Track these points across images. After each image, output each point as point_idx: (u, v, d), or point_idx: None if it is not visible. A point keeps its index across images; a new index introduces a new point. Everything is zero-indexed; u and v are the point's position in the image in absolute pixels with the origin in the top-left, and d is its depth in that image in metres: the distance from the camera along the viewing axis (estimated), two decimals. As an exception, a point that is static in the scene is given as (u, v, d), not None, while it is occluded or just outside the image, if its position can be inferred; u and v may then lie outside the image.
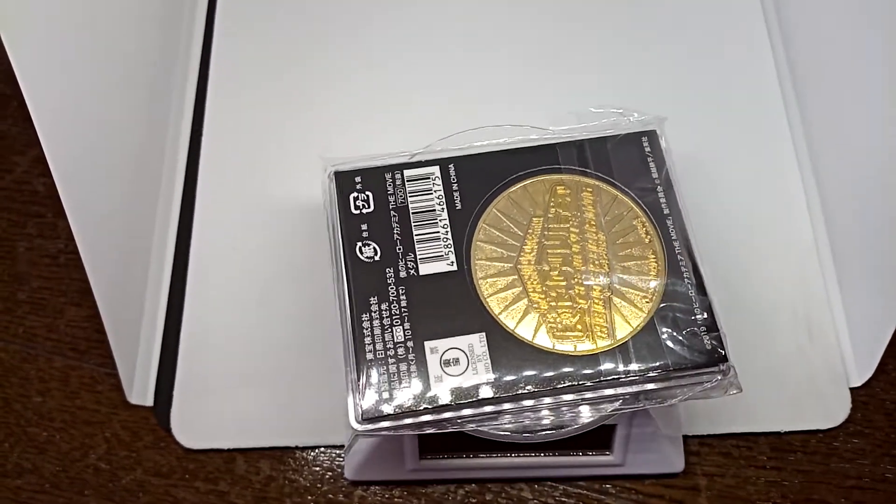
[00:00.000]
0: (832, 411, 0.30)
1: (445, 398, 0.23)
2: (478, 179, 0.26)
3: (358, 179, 0.26)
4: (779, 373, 0.30)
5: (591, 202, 0.26)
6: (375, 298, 0.24)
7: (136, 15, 0.34)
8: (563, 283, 0.25)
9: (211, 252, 0.33)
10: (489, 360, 0.24)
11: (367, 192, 0.26)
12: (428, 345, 0.24)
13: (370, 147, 0.34)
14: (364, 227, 0.26)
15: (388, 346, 0.24)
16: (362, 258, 0.25)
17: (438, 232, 0.26)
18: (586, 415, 0.24)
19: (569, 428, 0.24)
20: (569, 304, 0.25)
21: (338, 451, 0.30)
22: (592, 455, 0.28)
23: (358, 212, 0.26)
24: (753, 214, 0.33)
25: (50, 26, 0.26)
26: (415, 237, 0.25)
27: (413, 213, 0.26)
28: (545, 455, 0.28)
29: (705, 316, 0.24)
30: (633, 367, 0.24)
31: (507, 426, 0.24)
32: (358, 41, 0.37)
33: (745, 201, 0.34)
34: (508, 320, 0.24)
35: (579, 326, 0.24)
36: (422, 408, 0.23)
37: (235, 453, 0.30)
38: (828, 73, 0.33)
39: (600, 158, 0.27)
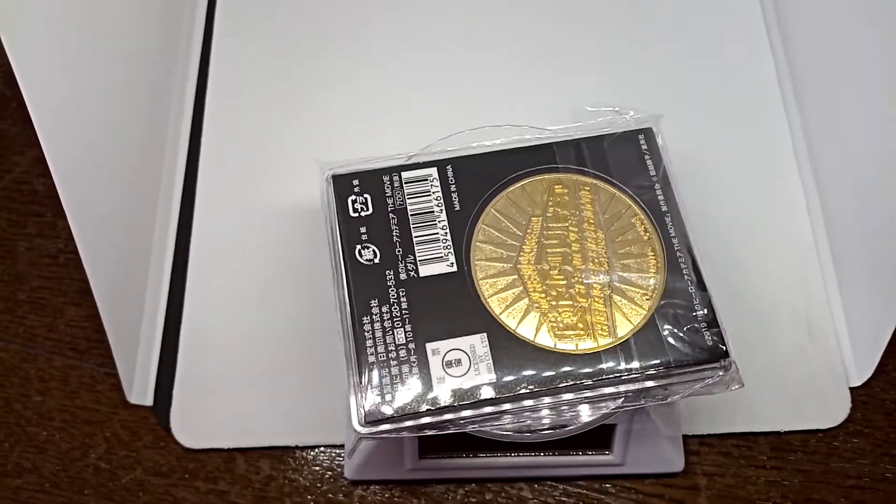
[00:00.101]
0: (832, 411, 0.30)
1: (448, 399, 0.23)
2: (476, 180, 0.26)
3: (356, 182, 0.26)
4: (779, 372, 0.30)
5: (589, 201, 0.26)
6: (376, 301, 0.24)
7: (136, 15, 0.34)
8: (564, 282, 0.25)
9: (211, 251, 0.33)
10: (491, 361, 0.24)
11: (366, 195, 0.26)
12: (430, 346, 0.24)
13: (370, 147, 0.34)
14: (363, 229, 0.26)
15: (389, 349, 0.24)
16: (362, 261, 0.25)
17: (437, 233, 0.26)
18: (588, 413, 0.24)
19: (571, 427, 0.24)
20: (569, 302, 0.25)
21: (338, 451, 0.30)
22: (592, 455, 0.28)
23: (357, 215, 0.26)
24: (753, 214, 0.33)
25: (50, 27, 0.26)
26: (414, 239, 0.25)
27: (412, 215, 0.26)
28: (545, 455, 0.28)
29: (705, 312, 0.24)
30: (635, 364, 0.24)
31: (509, 426, 0.24)
32: (358, 41, 0.37)
33: (745, 201, 0.34)
34: (509, 320, 0.24)
35: (580, 325, 0.24)
36: (425, 410, 0.23)
37: (235, 453, 0.30)
38: (827, 72, 0.33)
39: (597, 157, 0.27)
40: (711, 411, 0.30)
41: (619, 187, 0.26)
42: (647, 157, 0.27)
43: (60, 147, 0.25)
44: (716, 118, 0.35)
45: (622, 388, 0.24)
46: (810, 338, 0.31)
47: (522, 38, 0.37)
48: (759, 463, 0.30)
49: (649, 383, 0.24)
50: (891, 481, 0.29)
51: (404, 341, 0.24)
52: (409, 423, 0.23)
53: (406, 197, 0.26)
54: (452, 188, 0.26)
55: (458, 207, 0.26)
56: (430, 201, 0.26)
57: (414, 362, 0.24)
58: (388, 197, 0.26)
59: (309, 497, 0.29)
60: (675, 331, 0.24)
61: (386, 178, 0.26)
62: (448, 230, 0.26)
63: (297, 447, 0.30)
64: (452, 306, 0.24)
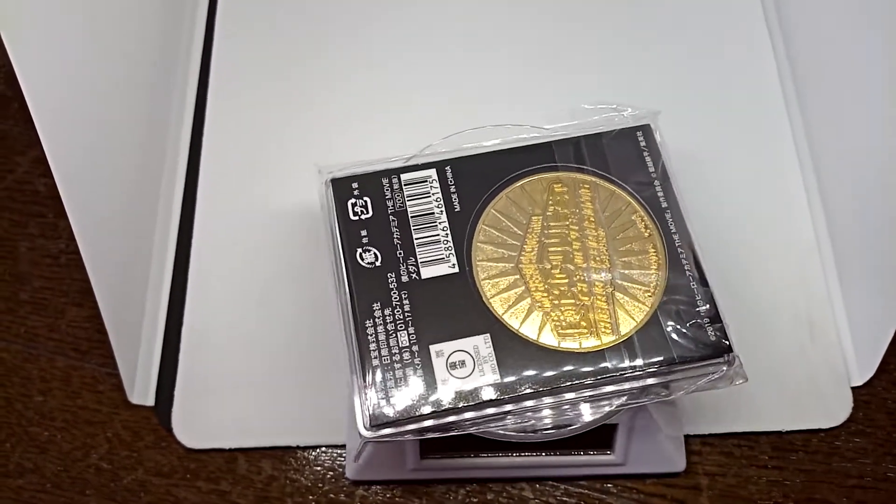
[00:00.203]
0: (834, 411, 0.30)
1: (453, 401, 0.23)
2: (475, 181, 0.26)
3: (355, 185, 0.26)
4: (780, 372, 0.30)
5: (588, 198, 0.26)
6: (378, 304, 0.24)
7: (137, 15, 0.34)
8: (566, 281, 0.25)
9: (212, 252, 0.33)
10: (495, 362, 0.24)
11: (366, 198, 0.26)
12: (433, 348, 0.24)
13: (371, 146, 0.34)
14: (364, 232, 0.26)
15: (393, 352, 0.24)
16: (363, 264, 0.25)
17: (438, 235, 0.26)
18: (593, 412, 0.24)
19: (576, 425, 0.24)
20: (572, 301, 0.25)
21: (339, 451, 0.30)
22: (594, 454, 0.28)
23: (357, 218, 0.26)
24: (754, 214, 0.33)
25: (50, 27, 0.26)
26: (415, 241, 0.25)
27: (412, 217, 0.26)
28: (546, 454, 0.28)
29: (708, 307, 0.24)
30: (639, 361, 0.24)
31: (513, 426, 0.24)
32: (358, 41, 0.37)
33: (746, 201, 0.34)
34: (512, 320, 0.24)
35: (583, 323, 0.24)
36: (430, 412, 0.23)
37: (237, 453, 0.30)
38: (828, 72, 0.33)
39: (596, 155, 0.27)
40: (713, 411, 0.30)
41: (618, 184, 0.26)
42: (645, 153, 0.27)
43: (62, 147, 0.25)
44: (717, 118, 0.35)
45: (626, 385, 0.24)
46: (811, 337, 0.31)
47: (522, 38, 0.37)
48: (760, 463, 0.30)
49: (653, 380, 0.24)
50: (893, 481, 0.29)
51: (408, 344, 0.24)
52: (414, 426, 0.23)
53: (406, 199, 0.26)
54: (452, 189, 0.26)
55: (458, 208, 0.26)
56: (430, 203, 0.26)
57: (418, 364, 0.24)
58: (388, 199, 0.26)
59: (310, 497, 0.29)
60: (678, 327, 0.24)
61: (385, 181, 0.26)
62: (449, 231, 0.26)
63: (298, 447, 0.30)
64: (455, 307, 0.24)
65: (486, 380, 0.23)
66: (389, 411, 0.23)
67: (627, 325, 0.24)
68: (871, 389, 0.31)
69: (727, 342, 0.24)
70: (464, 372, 0.24)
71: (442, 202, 0.26)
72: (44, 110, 0.24)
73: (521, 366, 0.24)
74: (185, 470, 0.30)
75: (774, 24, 0.37)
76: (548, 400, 0.24)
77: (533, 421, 0.24)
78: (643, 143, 0.27)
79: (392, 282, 0.25)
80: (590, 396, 0.24)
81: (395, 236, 0.25)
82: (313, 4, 0.38)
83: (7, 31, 0.23)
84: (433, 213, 0.26)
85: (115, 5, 0.31)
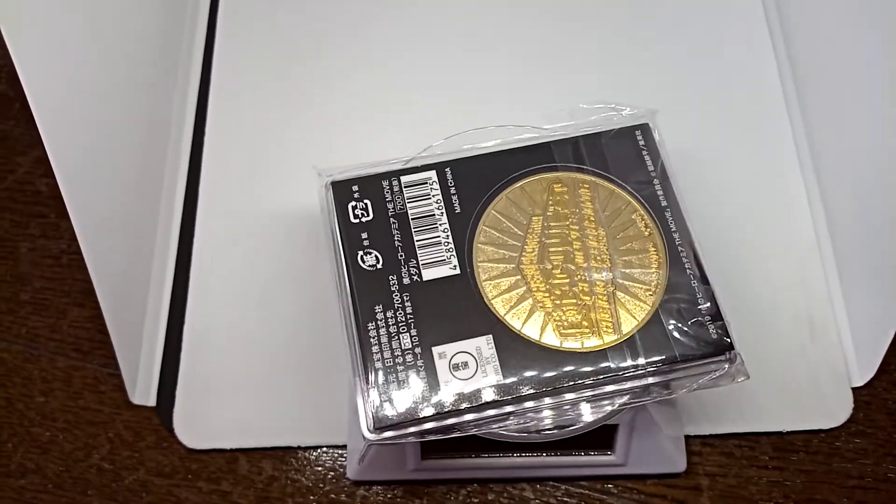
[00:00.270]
0: (834, 411, 0.30)
1: (457, 403, 0.23)
2: (475, 182, 0.26)
3: (355, 188, 0.26)
4: (781, 373, 0.30)
5: (588, 198, 0.26)
6: (380, 307, 0.24)
7: (138, 15, 0.34)
8: (567, 281, 0.25)
9: (213, 252, 0.33)
10: (498, 363, 0.24)
11: (366, 201, 0.26)
12: (436, 350, 0.24)
13: (371, 146, 0.34)
14: (364, 235, 0.26)
15: (396, 354, 0.24)
16: (364, 267, 0.25)
17: (439, 236, 0.26)
18: (596, 411, 0.24)
19: (579, 425, 0.24)
20: (573, 301, 0.25)
21: (340, 451, 0.30)
22: (594, 455, 0.28)
23: (357, 220, 0.26)
24: (755, 214, 0.33)
25: (52, 27, 0.26)
26: (416, 243, 0.25)
27: (413, 219, 0.26)
28: (547, 455, 0.28)
29: (709, 305, 0.24)
30: (641, 360, 0.24)
31: (516, 426, 0.24)
32: (358, 41, 0.37)
33: (747, 201, 0.34)
34: (514, 321, 0.24)
35: (585, 323, 0.24)
36: (434, 414, 0.23)
37: (238, 453, 0.30)
38: (829, 72, 0.33)
39: (595, 154, 0.27)
40: (714, 411, 0.30)
41: (618, 184, 0.26)
42: (644, 152, 0.27)
43: (63, 147, 0.25)
44: (717, 118, 0.35)
45: (629, 384, 0.24)
46: (812, 338, 0.31)
47: (522, 38, 0.37)
48: (761, 463, 0.30)
49: (656, 378, 0.24)
50: (893, 481, 0.29)
51: (410, 346, 0.24)
52: (418, 428, 0.23)
53: (406, 201, 0.26)
54: (452, 191, 0.26)
55: (458, 210, 0.26)
56: (430, 204, 0.26)
57: (421, 366, 0.24)
58: (388, 201, 0.26)
59: (311, 497, 0.29)
60: (680, 325, 0.24)
61: (385, 183, 0.26)
62: (449, 233, 0.26)
63: (299, 447, 0.30)
64: (457, 309, 0.24)
65: (488, 381, 0.23)
66: (393, 414, 0.23)
67: (629, 325, 0.24)
68: (872, 390, 0.31)
69: (728, 340, 0.24)
70: (466, 373, 0.24)
71: (442, 204, 0.26)
72: (45, 110, 0.24)
73: (524, 366, 0.24)
74: (187, 470, 0.30)
75: (775, 24, 0.37)
76: (551, 400, 0.24)
77: (536, 421, 0.24)
78: (642, 143, 0.27)
79: (394, 284, 0.25)
80: (592, 396, 0.24)
81: (395, 238, 0.25)
82: (314, 4, 0.38)
83: (9, 30, 0.23)
84: (433, 215, 0.26)
85: (117, 5, 0.31)
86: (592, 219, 0.26)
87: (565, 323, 0.24)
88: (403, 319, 0.24)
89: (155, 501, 0.30)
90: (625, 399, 0.24)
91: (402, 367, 0.24)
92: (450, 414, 0.23)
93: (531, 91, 0.36)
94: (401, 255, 0.25)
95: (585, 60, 0.37)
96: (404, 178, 0.26)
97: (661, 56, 0.37)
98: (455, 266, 0.25)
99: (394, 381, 0.23)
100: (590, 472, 0.29)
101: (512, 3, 0.38)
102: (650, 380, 0.24)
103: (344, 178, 0.27)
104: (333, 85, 0.36)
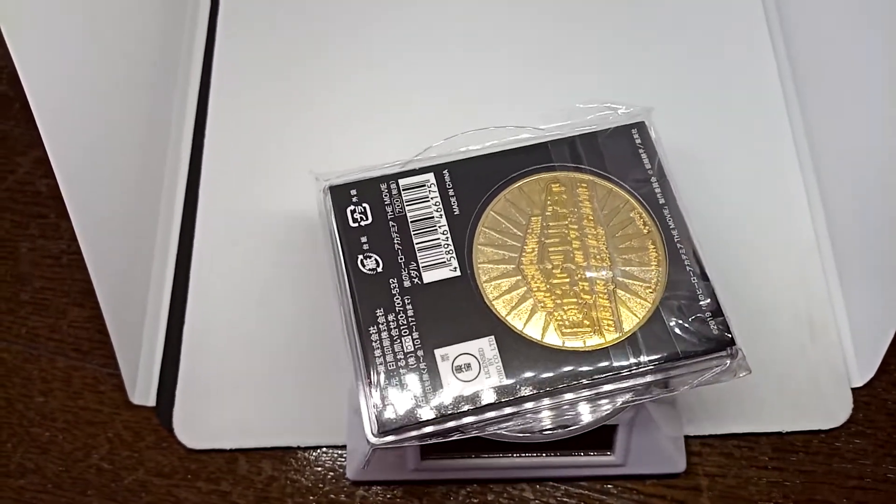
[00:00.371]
0: (834, 411, 0.30)
1: (460, 405, 0.23)
2: (473, 183, 0.26)
3: (353, 192, 0.26)
4: (780, 373, 0.30)
5: (586, 197, 0.26)
6: (382, 310, 0.24)
7: (139, 15, 0.34)
8: (567, 280, 0.25)
9: (213, 252, 0.33)
10: (501, 363, 0.24)
11: (364, 204, 0.26)
12: (438, 352, 0.24)
13: (371, 146, 0.34)
14: (364, 239, 0.26)
15: (398, 357, 0.24)
16: (365, 271, 0.25)
17: (439, 239, 0.26)
18: (600, 410, 0.24)
19: (582, 424, 0.24)
20: (574, 300, 0.25)
21: (339, 452, 0.30)
22: (594, 455, 0.28)
23: (356, 224, 0.26)
24: (754, 214, 0.33)
25: (52, 27, 0.26)
26: (416, 246, 0.25)
27: (412, 222, 0.26)
28: (547, 455, 0.28)
29: (709, 301, 0.24)
30: (643, 358, 0.24)
31: (521, 427, 0.24)
32: (358, 41, 0.37)
33: (746, 201, 0.34)
34: (516, 321, 0.24)
35: (586, 322, 0.24)
36: (438, 416, 0.23)
37: (237, 453, 0.30)
38: (829, 73, 0.33)
39: (592, 153, 0.27)
40: (713, 412, 0.30)
41: (615, 182, 0.26)
42: (641, 150, 0.27)
43: (63, 148, 0.25)
44: (717, 118, 0.35)
45: (631, 382, 0.24)
46: (812, 338, 0.31)
47: (522, 38, 0.37)
48: (760, 464, 0.30)
49: (658, 376, 0.24)
50: (893, 482, 0.29)
51: (412, 349, 0.24)
52: (423, 431, 0.23)
53: (405, 204, 0.26)
54: (451, 193, 0.26)
55: (457, 212, 0.26)
56: (429, 207, 0.26)
57: (423, 369, 0.24)
58: (387, 205, 0.26)
59: (311, 498, 0.29)
60: (681, 322, 0.24)
61: (383, 186, 0.26)
62: (449, 235, 0.26)
63: (298, 448, 0.30)
64: (458, 311, 0.24)
65: (492, 382, 0.23)
66: (397, 417, 0.23)
67: (630, 322, 0.24)
68: (872, 390, 0.31)
69: (730, 335, 0.24)
70: (470, 375, 0.24)
71: (441, 206, 0.26)
72: (45, 110, 0.24)
73: (527, 367, 0.24)
74: (186, 470, 0.30)
75: (775, 24, 0.37)
76: (555, 400, 0.24)
77: (539, 421, 0.24)
78: (638, 141, 0.27)
79: (394, 287, 0.25)
80: (596, 395, 0.24)
81: (395, 242, 0.25)
82: (314, 4, 0.38)
83: (9, 30, 0.23)
84: (433, 217, 0.26)
85: (117, 5, 0.31)
86: (591, 218, 0.26)
87: (567, 322, 0.24)
88: (405, 322, 0.24)
89: (154, 501, 0.30)
90: (628, 397, 0.24)
91: (404, 371, 0.24)
92: (454, 416, 0.23)
93: (531, 91, 0.36)
94: (401, 259, 0.25)
95: (585, 60, 0.37)
96: (402, 181, 0.26)
97: (660, 56, 0.37)
98: (455, 268, 0.25)
99: (397, 385, 0.23)
100: (589, 473, 0.29)
101: (512, 2, 0.38)
102: (652, 377, 0.24)
103: (342, 182, 0.26)
104: (333, 85, 0.36)
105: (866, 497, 0.29)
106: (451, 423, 0.23)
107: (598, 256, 0.25)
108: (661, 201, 0.26)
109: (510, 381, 0.23)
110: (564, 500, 0.29)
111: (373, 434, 0.23)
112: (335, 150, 0.35)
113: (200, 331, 0.32)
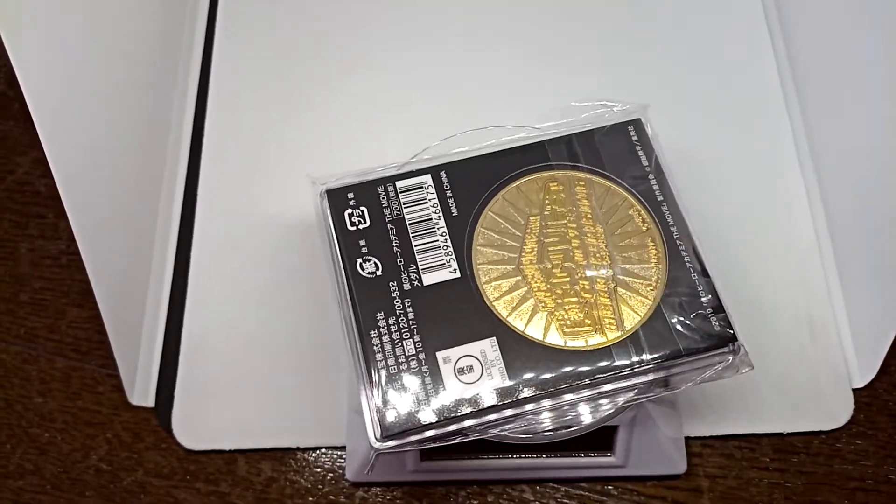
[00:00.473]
0: (835, 412, 0.30)
1: (463, 407, 0.23)
2: (471, 184, 0.26)
3: (350, 195, 0.26)
4: (781, 374, 0.30)
5: (585, 195, 0.26)
6: (382, 314, 0.24)
7: (138, 15, 0.34)
8: (567, 279, 0.25)
9: (212, 252, 0.33)
10: (503, 365, 0.24)
11: (362, 207, 0.26)
12: (440, 355, 0.24)
13: (371, 146, 0.34)
14: (362, 242, 0.25)
15: (400, 361, 0.24)
16: (364, 274, 0.25)
17: (437, 240, 0.25)
18: (604, 408, 0.24)
19: (584, 424, 0.24)
20: (575, 299, 0.25)
21: (339, 453, 0.30)
22: (594, 456, 0.28)
23: (354, 228, 0.26)
24: (754, 214, 0.33)
25: (51, 27, 0.26)
26: (414, 248, 0.25)
27: (410, 224, 0.26)
28: (547, 456, 0.28)
29: (710, 297, 0.24)
30: (646, 356, 0.24)
31: (523, 428, 0.24)
32: (358, 41, 0.37)
33: (746, 201, 0.33)
34: (517, 322, 0.24)
35: (588, 321, 0.24)
36: (441, 419, 0.23)
37: (237, 454, 0.30)
38: (829, 72, 0.33)
39: (589, 151, 0.27)
40: (714, 413, 0.30)
41: (613, 180, 0.26)
42: (638, 147, 0.27)
43: (62, 148, 0.25)
44: (717, 118, 0.35)
45: (635, 380, 0.24)
46: (812, 338, 0.31)
47: (522, 38, 0.37)
48: (761, 465, 0.30)
49: (661, 374, 0.24)
50: (894, 483, 0.29)
51: (414, 352, 0.24)
52: (426, 434, 0.23)
53: (403, 206, 0.26)
54: (448, 194, 0.26)
55: (455, 213, 0.26)
56: (427, 209, 0.26)
57: (426, 372, 0.23)
58: (385, 208, 0.26)
59: (310, 499, 0.29)
60: (682, 319, 0.24)
61: (381, 189, 0.26)
62: (448, 236, 0.25)
63: (298, 449, 0.30)
64: (459, 313, 0.24)
65: (494, 383, 0.23)
66: (400, 421, 0.23)
67: (632, 321, 0.24)
68: (873, 391, 0.30)
69: (731, 331, 0.24)
70: (472, 377, 0.23)
71: (439, 207, 0.26)
72: (44, 110, 0.24)
73: (529, 367, 0.24)
74: (185, 471, 0.30)
75: (775, 24, 0.37)
76: (559, 400, 0.23)
77: (543, 422, 0.24)
78: (635, 138, 0.27)
79: (394, 290, 0.25)
80: (599, 394, 0.24)
81: (394, 244, 0.25)
82: (314, 4, 0.38)
83: (7, 31, 0.23)
84: (431, 219, 0.26)
85: (116, 5, 0.31)
86: (590, 216, 0.26)
87: (568, 322, 0.24)
88: (406, 325, 0.24)
89: (153, 502, 0.30)
90: (631, 395, 0.24)
91: (406, 374, 0.23)
92: (457, 419, 0.23)
93: (531, 91, 0.36)
94: (400, 261, 0.25)
95: (585, 60, 0.37)
96: (399, 184, 0.26)
97: (660, 56, 0.37)
98: (455, 270, 0.25)
99: (399, 388, 0.23)
100: (590, 474, 0.29)
101: (512, 3, 0.38)
102: (654, 375, 0.24)
103: (339, 185, 0.26)
104: (333, 85, 0.36)
105: (868, 498, 0.29)
106: (455, 426, 0.23)
107: (597, 255, 0.25)
108: (660, 198, 0.26)
109: (513, 383, 0.23)
110: (564, 501, 0.29)
111: (376, 439, 0.23)
112: (335, 150, 0.35)
113: (199, 331, 0.32)
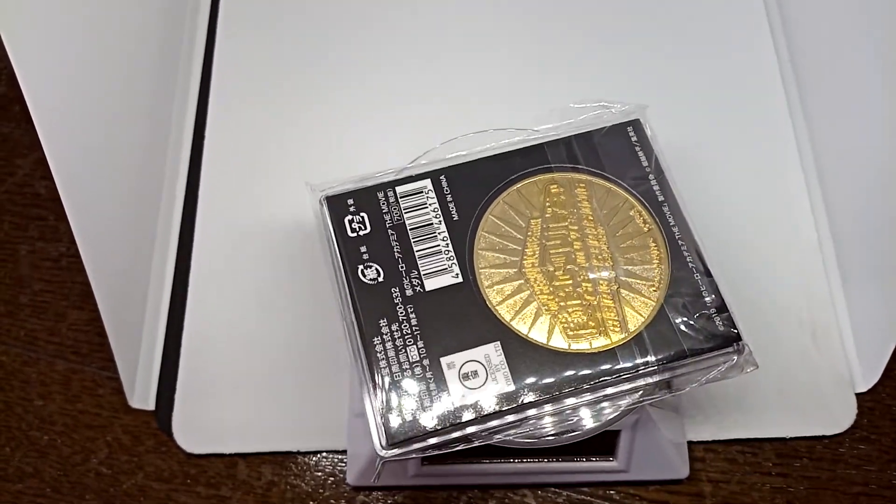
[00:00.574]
0: (838, 417, 0.30)
1: (469, 413, 0.23)
2: (471, 188, 0.26)
3: (350, 202, 0.26)
4: (783, 378, 0.30)
5: (585, 197, 0.26)
6: (385, 320, 0.24)
7: (139, 17, 0.34)
8: (570, 282, 0.25)
9: (213, 255, 0.33)
10: (508, 369, 0.23)
11: (362, 214, 0.26)
12: (444, 360, 0.23)
13: (372, 147, 0.34)
14: (363, 248, 0.25)
15: (404, 367, 0.23)
16: (366, 281, 0.25)
17: (439, 245, 0.25)
18: (607, 412, 0.23)
19: (590, 427, 0.24)
20: (578, 301, 0.24)
21: (340, 457, 0.30)
22: (596, 461, 0.28)
23: (355, 234, 0.25)
24: (756, 215, 0.33)
25: (51, 28, 0.26)
26: (416, 253, 0.25)
27: (411, 230, 0.25)
28: (549, 461, 0.28)
29: (713, 297, 0.24)
30: (650, 357, 0.23)
31: (528, 432, 0.23)
32: (359, 43, 0.37)
33: (748, 201, 0.33)
34: (521, 326, 0.24)
35: (591, 323, 0.24)
36: (447, 425, 0.23)
37: (237, 458, 0.30)
38: (830, 72, 0.33)
39: (589, 153, 0.27)
40: (716, 417, 0.30)
41: (613, 181, 0.26)
42: (637, 148, 0.27)
43: (62, 149, 0.25)
44: (718, 118, 0.35)
45: (640, 382, 0.23)
46: (815, 342, 0.31)
47: (521, 41, 0.37)
48: (764, 469, 0.29)
49: (665, 375, 0.24)
50: (897, 488, 0.29)
51: (418, 358, 0.24)
52: (431, 441, 0.23)
53: (403, 211, 0.26)
54: (448, 198, 0.26)
55: (456, 217, 0.26)
56: (427, 214, 0.26)
57: (430, 378, 0.23)
58: (385, 213, 0.26)
59: (311, 503, 0.29)
60: (686, 319, 0.24)
61: (381, 194, 0.26)
62: (449, 241, 0.25)
63: (299, 452, 0.30)
64: (462, 317, 0.24)
65: (499, 388, 0.23)
66: (406, 428, 0.23)
67: (635, 322, 0.24)
68: (876, 396, 0.30)
69: (736, 331, 0.24)
70: (477, 382, 0.23)
71: (440, 212, 0.26)
72: (44, 112, 0.24)
73: (534, 371, 0.23)
74: (185, 475, 0.30)
75: (776, 24, 0.37)
76: (565, 403, 0.23)
77: (549, 426, 0.23)
78: (634, 139, 0.27)
79: (397, 296, 0.24)
80: (604, 397, 0.23)
81: (395, 250, 0.25)
82: (314, 6, 0.38)
83: (7, 31, 0.23)
84: (432, 224, 0.26)
85: (116, 6, 0.31)
86: (591, 218, 0.26)
87: (572, 324, 0.24)
88: (409, 332, 0.24)
89: (153, 506, 0.29)
90: (637, 397, 0.23)
91: (411, 380, 0.23)
92: (462, 424, 0.23)
93: (530, 93, 0.36)
94: (401, 267, 0.25)
95: (584, 61, 0.37)
96: (399, 189, 0.26)
97: (661, 56, 0.36)
98: (457, 274, 0.25)
99: (404, 395, 0.23)
100: (592, 479, 0.29)
101: (512, 3, 0.38)
102: (659, 376, 0.24)
103: (338, 192, 0.26)
104: (334, 85, 0.36)
105: (871, 503, 0.29)
106: (461, 432, 0.23)
107: (599, 256, 0.25)
108: (661, 199, 0.26)
109: (518, 387, 0.23)
110: (566, 505, 0.29)
111: (381, 446, 0.23)
112: (335, 151, 0.35)
113: (200, 334, 0.32)
